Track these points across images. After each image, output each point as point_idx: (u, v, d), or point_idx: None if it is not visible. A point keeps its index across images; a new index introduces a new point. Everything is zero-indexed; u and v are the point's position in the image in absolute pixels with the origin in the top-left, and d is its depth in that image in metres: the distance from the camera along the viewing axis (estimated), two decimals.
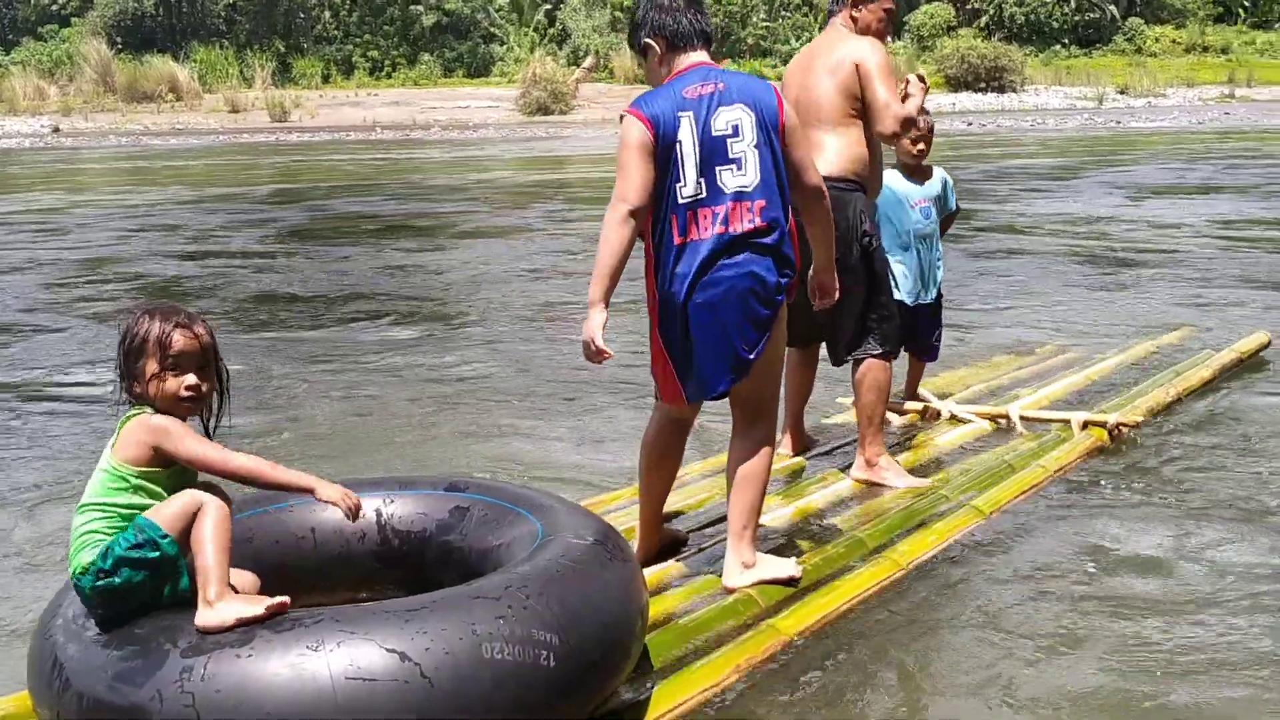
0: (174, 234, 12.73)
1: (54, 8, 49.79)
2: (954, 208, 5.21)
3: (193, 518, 2.44)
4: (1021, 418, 4.99)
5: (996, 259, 10.14)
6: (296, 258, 10.83)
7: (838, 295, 3.69)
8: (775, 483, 4.19)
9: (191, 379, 2.54)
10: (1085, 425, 4.85)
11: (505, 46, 46.92)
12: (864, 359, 4.32)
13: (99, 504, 2.48)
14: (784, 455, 4.51)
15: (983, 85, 41.17)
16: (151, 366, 2.52)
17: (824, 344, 4.54)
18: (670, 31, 3.31)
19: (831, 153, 4.13)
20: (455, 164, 22.27)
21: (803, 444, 4.65)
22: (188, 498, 2.47)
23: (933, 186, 5.05)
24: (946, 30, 45.63)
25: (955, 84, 41.22)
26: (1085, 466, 4.57)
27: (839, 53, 4.19)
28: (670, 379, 3.30)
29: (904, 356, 5.00)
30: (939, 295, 5.11)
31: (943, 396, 5.33)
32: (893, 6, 4.41)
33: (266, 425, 5.45)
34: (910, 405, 5.18)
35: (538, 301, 8.45)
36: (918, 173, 5.02)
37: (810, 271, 3.58)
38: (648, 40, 3.35)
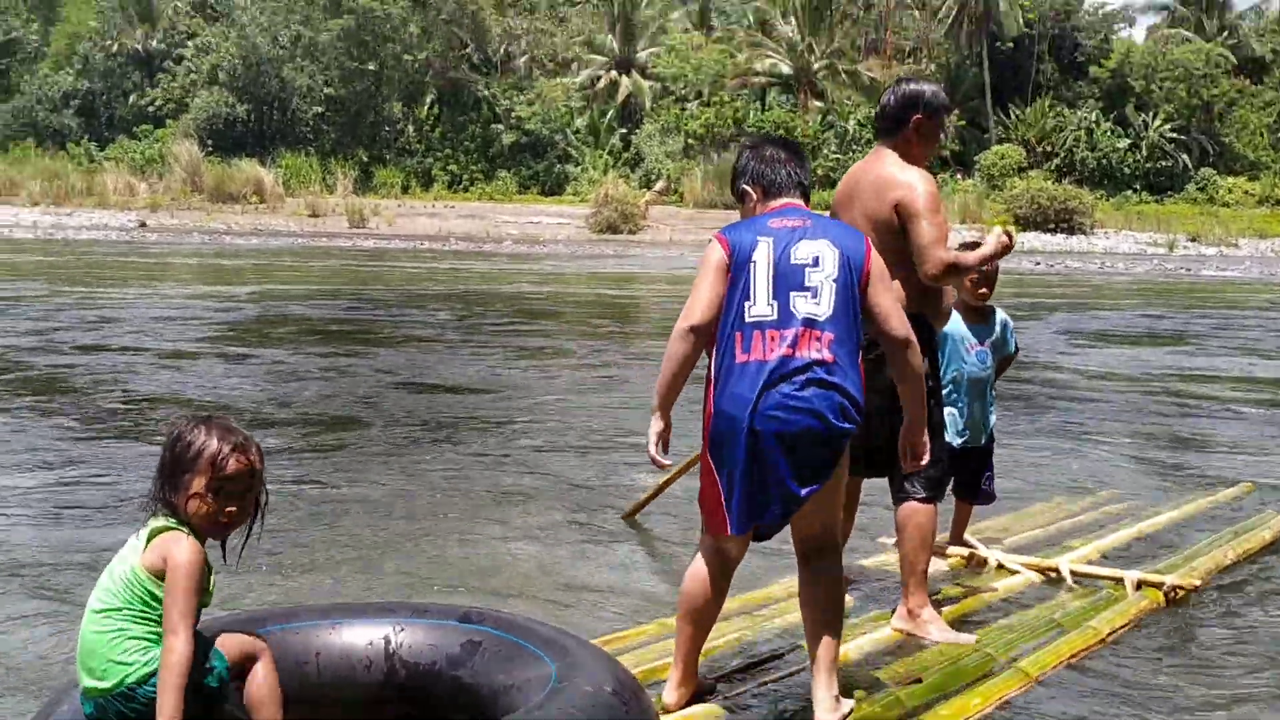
0: (226, 331, 12.99)
1: (150, 108, 51.93)
2: (1012, 350, 5.07)
3: (250, 660, 2.52)
4: (1072, 573, 4.80)
5: (1055, 401, 9.96)
6: (342, 358, 10.98)
7: (893, 431, 3.62)
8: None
9: (233, 507, 2.51)
10: (1139, 585, 4.66)
11: (580, 167, 47.98)
12: (907, 500, 4.15)
13: (131, 611, 2.44)
14: None
15: (1052, 226, 41.23)
16: (197, 484, 2.47)
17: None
18: (768, 181, 3.37)
19: (895, 288, 3.89)
20: (514, 275, 22.62)
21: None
22: (250, 643, 2.57)
23: (992, 329, 4.92)
24: (1017, 171, 45.93)
25: (1024, 223, 41.30)
26: (1138, 630, 4.34)
27: (881, 192, 4.00)
28: (717, 505, 3.16)
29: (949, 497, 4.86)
30: (990, 439, 4.96)
31: (989, 543, 5.17)
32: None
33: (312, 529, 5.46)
34: (955, 550, 5.02)
35: (586, 422, 8.44)
36: (977, 314, 4.88)
37: (901, 430, 3.50)
38: (745, 187, 3.41)
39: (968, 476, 4.89)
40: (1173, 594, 4.64)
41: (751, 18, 57.64)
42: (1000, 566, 4.91)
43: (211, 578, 2.54)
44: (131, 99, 53.27)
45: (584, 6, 58.06)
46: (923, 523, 4.13)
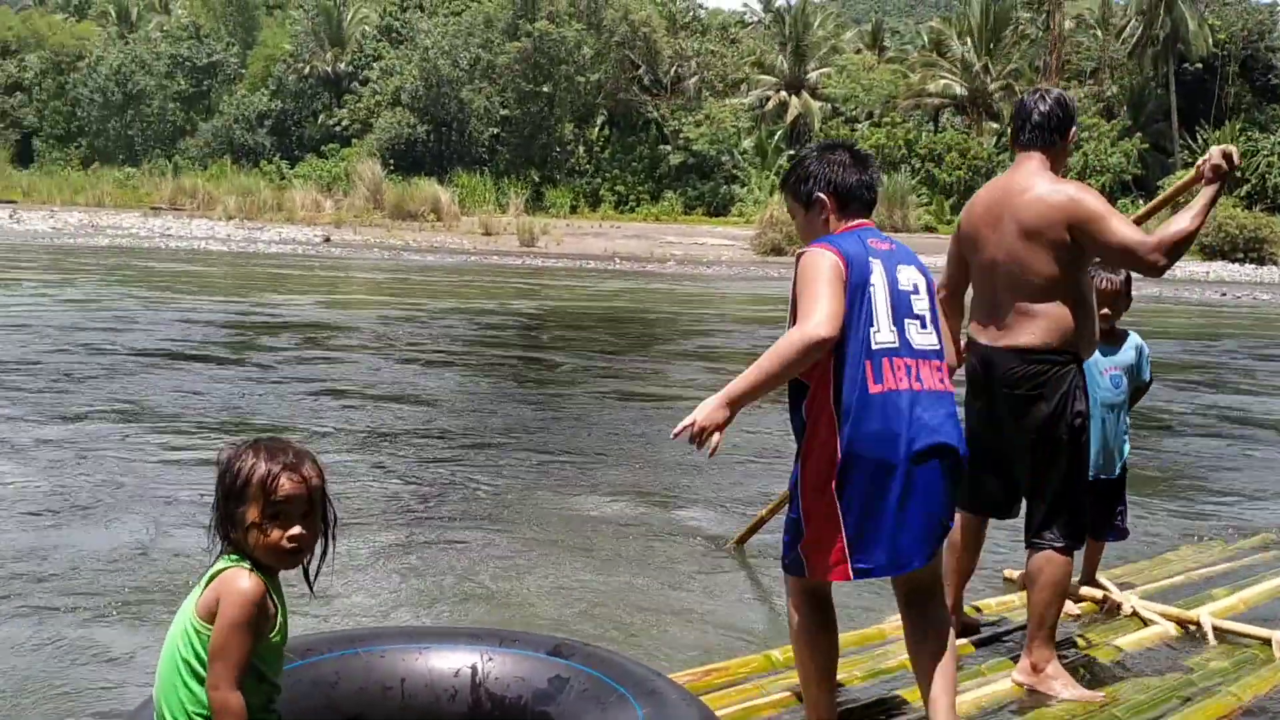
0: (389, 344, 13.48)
1: (337, 128, 54.33)
2: (1147, 379, 4.83)
3: None
4: (1215, 628, 4.49)
5: (1225, 437, 9.58)
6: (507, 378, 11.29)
7: (1035, 472, 3.56)
8: None
9: (296, 530, 2.31)
10: None
11: (746, 188, 48.09)
12: (1043, 549, 3.90)
13: (191, 668, 2.29)
14: None
15: (1240, 256, 39.40)
16: (252, 514, 2.29)
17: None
18: (844, 189, 3.17)
19: (1044, 320, 3.78)
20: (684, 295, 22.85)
21: (961, 627, 4.26)
22: None
23: (1126, 354, 4.69)
24: None
25: (1210, 253, 39.58)
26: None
27: (1040, 216, 3.75)
28: (837, 550, 2.98)
29: None
30: (1124, 470, 4.73)
31: (1125, 587, 4.93)
32: None
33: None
34: (1087, 592, 4.80)
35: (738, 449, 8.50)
36: (1110, 337, 4.63)
37: None
38: (820, 195, 3.19)
39: (1099, 511, 4.64)
40: None
41: (925, 38, 56.87)
42: (1135, 614, 4.66)
43: (281, 618, 2.37)
44: (320, 119, 55.79)
45: (755, 27, 58.26)
46: (1058, 575, 3.88)
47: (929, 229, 44.04)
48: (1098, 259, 3.92)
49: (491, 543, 5.77)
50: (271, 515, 2.29)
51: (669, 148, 50.31)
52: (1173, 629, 4.55)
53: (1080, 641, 4.39)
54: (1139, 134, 47.57)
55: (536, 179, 49.11)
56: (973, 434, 3.97)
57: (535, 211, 45.47)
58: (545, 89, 50.41)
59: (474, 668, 2.81)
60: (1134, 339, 4.77)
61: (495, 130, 50.80)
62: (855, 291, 2.97)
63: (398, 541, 5.70)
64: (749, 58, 54.98)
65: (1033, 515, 3.93)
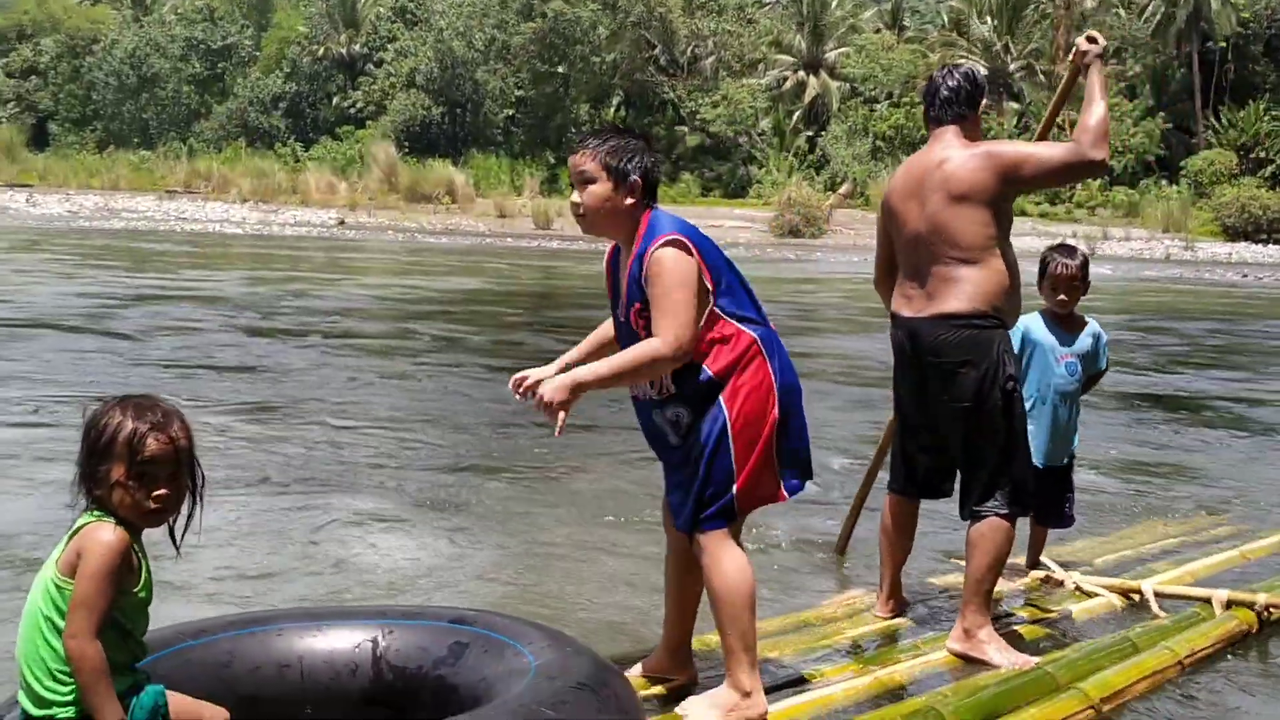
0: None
1: (352, 111, 54.13)
2: (1103, 367, 4.77)
3: None
4: (1156, 594, 4.47)
5: (1213, 422, 9.49)
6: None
7: (970, 442, 3.65)
8: (864, 647, 3.91)
9: (161, 491, 2.28)
10: (1229, 605, 4.31)
11: (764, 169, 47.73)
12: (986, 516, 3.86)
13: (56, 626, 2.24)
14: (880, 618, 4.18)
15: (1264, 237, 38.93)
16: (117, 472, 2.24)
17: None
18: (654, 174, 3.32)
19: (970, 286, 3.79)
20: None
21: (899, 605, 4.26)
22: (211, 711, 2.40)
23: (1084, 341, 4.65)
24: (1227, 178, 43.51)
25: (1233, 234, 39.12)
26: (1223, 655, 4.03)
27: (971, 174, 3.78)
28: (771, 477, 3.18)
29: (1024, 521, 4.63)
30: (1071, 459, 4.71)
31: (1072, 566, 4.88)
32: None
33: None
34: (1032, 575, 4.76)
35: None
36: (1068, 323, 4.62)
37: None
38: (636, 178, 3.19)
39: (1048, 499, 4.60)
40: (1266, 614, 4.28)
41: (946, 17, 56.33)
42: (1078, 590, 4.62)
43: (145, 572, 2.33)
44: (335, 101, 55.59)
45: (773, 7, 57.76)
46: (1000, 541, 3.84)
47: None
48: (1037, 194, 3.94)
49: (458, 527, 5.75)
50: (138, 475, 2.25)
51: (685, 129, 50.00)
52: (1117, 600, 4.53)
53: (1021, 614, 4.37)
54: (1162, 114, 47.03)
55: (552, 161, 48.85)
56: (903, 412, 4.08)
57: (551, 194, 45.25)
58: (560, 70, 50.13)
59: (374, 641, 2.82)
60: (1093, 326, 4.72)
61: (510, 111, 50.60)
62: (719, 260, 3.15)
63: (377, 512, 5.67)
64: (766, 37, 54.49)
65: (971, 486, 3.89)
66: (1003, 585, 4.50)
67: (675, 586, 3.44)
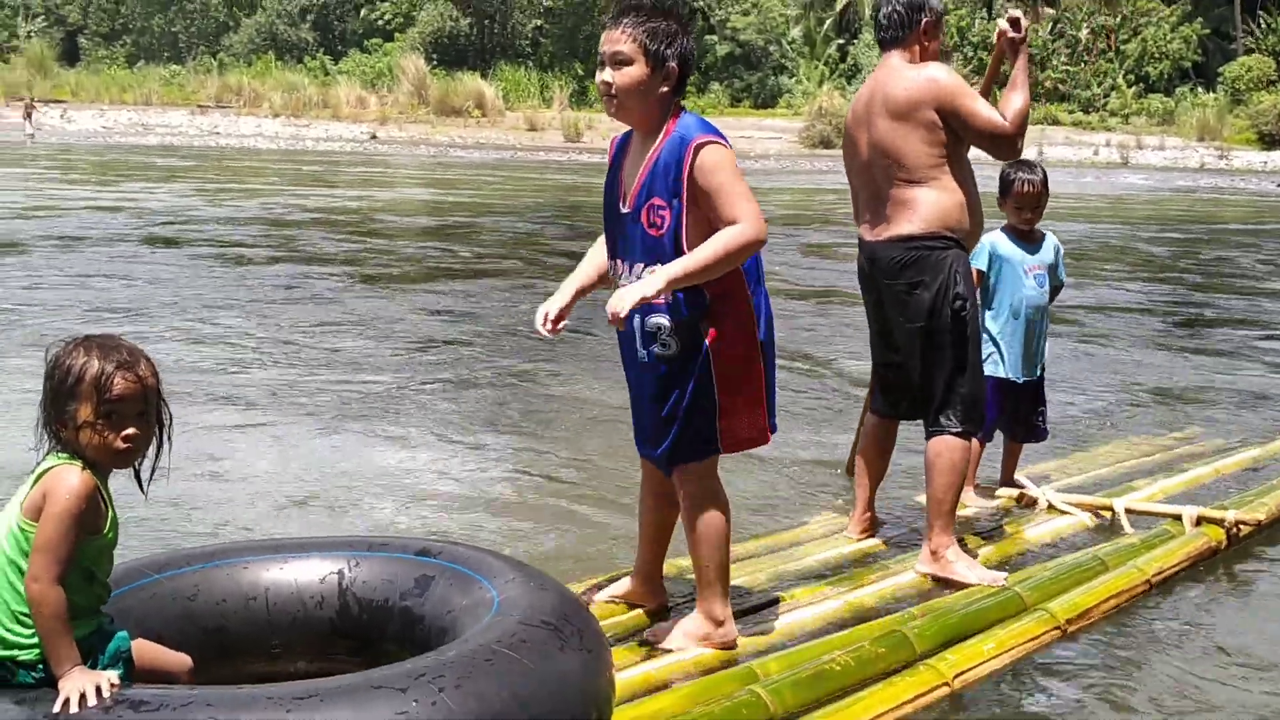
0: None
1: (379, 23, 53.81)
2: (1062, 279, 4.81)
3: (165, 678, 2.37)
4: (1128, 511, 4.48)
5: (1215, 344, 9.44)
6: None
7: (925, 360, 3.74)
8: (836, 569, 3.92)
9: (130, 430, 2.25)
10: (1199, 522, 4.32)
11: (794, 79, 47.33)
12: (939, 434, 3.90)
13: (19, 570, 2.22)
14: (851, 538, 4.22)
15: None
16: (84, 412, 2.22)
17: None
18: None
19: (923, 207, 3.82)
20: None
21: (872, 525, 4.30)
22: (174, 657, 2.44)
23: (1046, 253, 4.70)
24: (1265, 85, 42.87)
25: (1269, 142, 38.66)
26: (1192, 572, 4.06)
27: (907, 92, 3.81)
28: (762, 415, 3.17)
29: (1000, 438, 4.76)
30: (1043, 371, 4.76)
31: (1046, 482, 4.90)
32: None
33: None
34: (1004, 491, 4.78)
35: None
36: (1028, 237, 4.68)
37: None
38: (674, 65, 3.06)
39: (1022, 414, 4.69)
40: (1235, 530, 4.28)
41: None
42: (1051, 507, 4.62)
43: (111, 514, 2.30)
44: (362, 13, 55.27)
45: None
46: (955, 458, 3.88)
47: None
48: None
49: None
50: (105, 414, 2.22)
51: (715, 38, 49.48)
52: (1088, 518, 4.53)
53: (993, 533, 4.37)
54: (1199, 19, 46.13)
55: (580, 72, 48.54)
56: (871, 335, 4.13)
57: (580, 107, 45.09)
58: None
59: (340, 573, 2.81)
60: (1051, 239, 4.77)
61: (538, 22, 50.15)
62: None
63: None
64: None
65: (928, 404, 3.94)
66: (977, 502, 4.61)
67: (650, 515, 3.39)
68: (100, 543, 2.28)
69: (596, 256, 3.31)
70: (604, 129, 39.98)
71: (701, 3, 50.56)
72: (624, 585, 3.49)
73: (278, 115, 43.69)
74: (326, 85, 47.65)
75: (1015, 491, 4.77)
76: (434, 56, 48.01)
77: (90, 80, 51.54)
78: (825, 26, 49.81)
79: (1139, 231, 18.21)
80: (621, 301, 2.88)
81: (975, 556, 4.01)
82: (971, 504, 4.62)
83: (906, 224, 3.84)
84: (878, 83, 3.95)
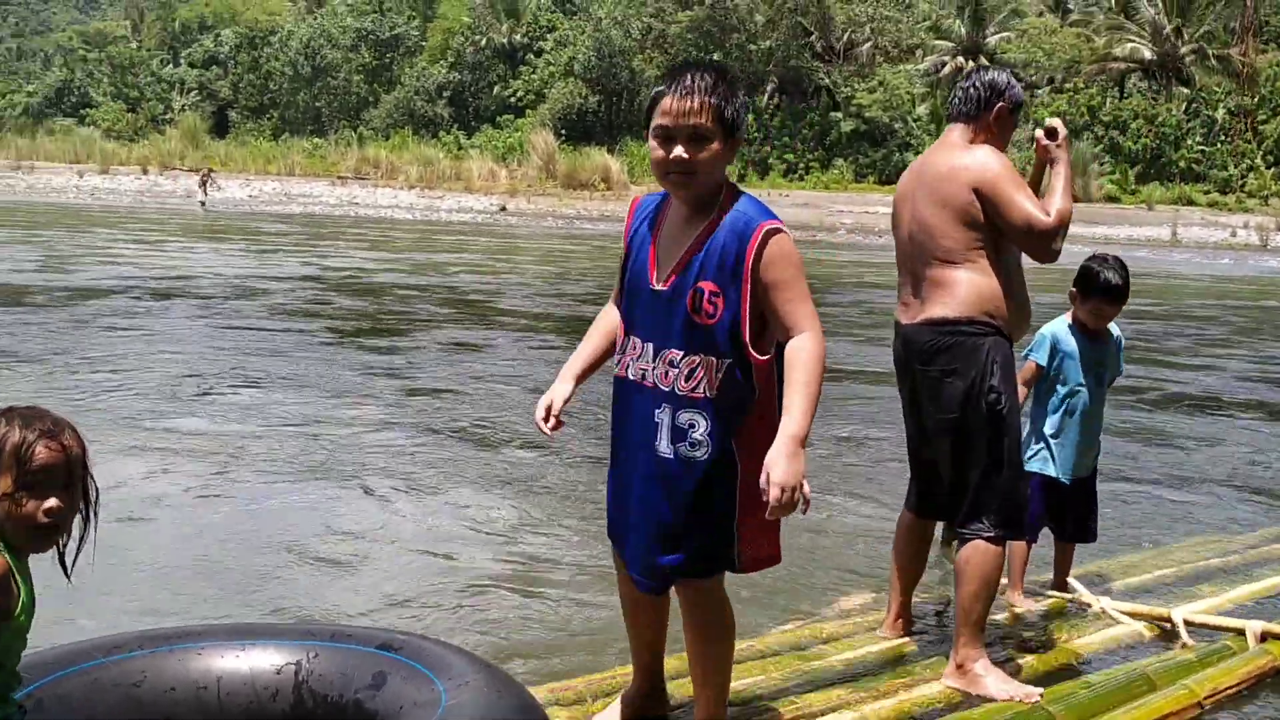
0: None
1: (512, 99, 55.56)
2: (1120, 371, 4.54)
3: None
4: (1187, 622, 4.09)
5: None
6: None
7: (956, 457, 3.48)
8: (865, 669, 3.65)
9: (52, 502, 2.11)
10: (1264, 637, 3.94)
11: (918, 156, 47.17)
12: (970, 540, 3.61)
13: None
14: (886, 638, 3.95)
15: None
16: (4, 484, 2.08)
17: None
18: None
19: (960, 289, 3.57)
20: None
21: (907, 627, 4.02)
22: None
23: (1110, 348, 4.43)
24: None
25: None
26: (1250, 695, 3.67)
27: (951, 169, 3.60)
28: (777, 532, 2.82)
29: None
30: (1094, 470, 4.48)
31: (1103, 584, 4.59)
32: None
33: None
34: (1056, 594, 4.47)
35: None
36: (1094, 333, 4.40)
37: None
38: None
39: (1074, 515, 4.42)
40: None
41: (1112, 0, 54.61)
42: (1104, 614, 4.27)
43: (25, 598, 2.14)
44: (496, 90, 57.15)
45: None
46: (987, 567, 3.58)
47: (1111, 199, 42.50)
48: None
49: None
50: (26, 486, 2.09)
51: (840, 115, 49.75)
52: (1143, 628, 4.20)
53: (1038, 641, 4.05)
54: None
55: None
56: (907, 427, 3.86)
57: None
58: (716, 58, 50.38)
59: (298, 665, 2.67)
60: (1115, 331, 4.49)
61: None
62: None
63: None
64: (924, 23, 53.79)
65: (958, 505, 3.66)
66: (1025, 604, 4.33)
67: (649, 633, 3.04)
68: (11, 628, 2.12)
69: (603, 331, 2.95)
70: None
71: (827, 81, 51.01)
72: (628, 705, 3.13)
73: (413, 187, 45.23)
74: (460, 159, 49.21)
75: (1068, 596, 4.47)
76: (563, 132, 49.22)
77: (238, 151, 54.09)
78: None
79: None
80: (794, 478, 2.50)
81: (1018, 666, 3.76)
82: (1019, 606, 4.35)
83: (941, 307, 3.60)
84: (928, 158, 3.79)
